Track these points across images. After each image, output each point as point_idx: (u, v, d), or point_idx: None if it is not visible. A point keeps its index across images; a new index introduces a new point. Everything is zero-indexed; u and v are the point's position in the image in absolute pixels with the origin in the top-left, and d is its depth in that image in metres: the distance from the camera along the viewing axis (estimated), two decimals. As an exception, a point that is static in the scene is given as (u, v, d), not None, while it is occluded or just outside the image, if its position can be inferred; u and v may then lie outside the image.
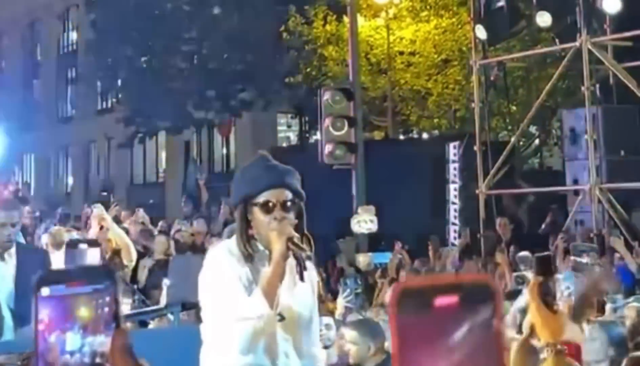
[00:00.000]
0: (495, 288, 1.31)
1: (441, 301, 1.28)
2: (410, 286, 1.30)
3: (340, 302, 9.45)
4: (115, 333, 1.90)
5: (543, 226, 16.87)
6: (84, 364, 1.87)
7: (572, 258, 9.77)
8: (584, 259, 8.94)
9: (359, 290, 9.94)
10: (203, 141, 38.90)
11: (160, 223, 16.97)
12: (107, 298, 1.90)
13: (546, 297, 3.76)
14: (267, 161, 4.79)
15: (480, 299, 1.30)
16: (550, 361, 3.75)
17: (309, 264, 4.60)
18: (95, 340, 1.88)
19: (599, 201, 16.35)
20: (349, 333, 6.95)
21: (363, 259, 13.77)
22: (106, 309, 1.89)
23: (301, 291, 4.69)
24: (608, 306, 8.78)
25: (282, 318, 4.62)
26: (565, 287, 8.60)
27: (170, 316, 8.36)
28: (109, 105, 40.60)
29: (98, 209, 10.14)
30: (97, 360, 1.89)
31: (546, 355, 3.77)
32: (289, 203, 4.65)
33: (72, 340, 1.86)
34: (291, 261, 4.54)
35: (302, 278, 4.52)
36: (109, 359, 1.89)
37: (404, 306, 1.28)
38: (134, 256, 10.83)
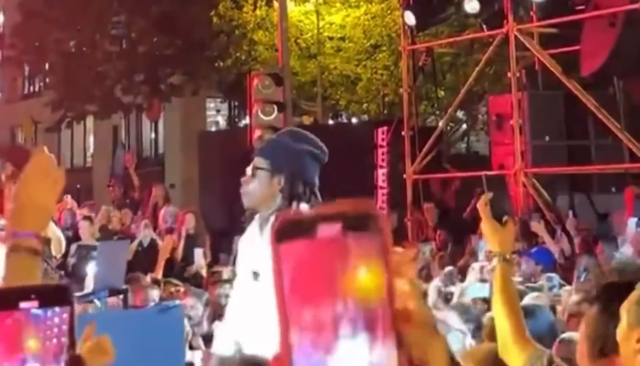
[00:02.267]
0: (378, 215, 1.29)
1: (324, 230, 1.25)
2: (292, 217, 1.27)
3: None
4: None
5: (468, 210, 17.07)
6: None
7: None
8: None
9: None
10: (131, 126, 38.67)
11: (84, 208, 16.88)
12: (57, 329, 1.73)
13: (494, 211, 4.01)
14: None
15: (364, 227, 1.26)
16: (499, 268, 3.99)
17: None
18: None
19: (524, 186, 16.59)
20: None
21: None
22: (54, 341, 1.73)
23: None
24: (545, 284, 8.94)
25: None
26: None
27: (97, 302, 8.37)
28: (36, 89, 40.18)
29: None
30: None
31: (495, 263, 4.03)
32: (256, 170, 5.25)
33: None
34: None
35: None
36: None
37: (286, 236, 1.25)
38: (64, 247, 10.82)
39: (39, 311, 1.71)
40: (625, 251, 11.05)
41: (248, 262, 5.27)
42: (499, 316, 3.99)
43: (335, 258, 1.25)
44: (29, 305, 1.71)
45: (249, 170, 5.36)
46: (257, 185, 5.27)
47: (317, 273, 1.25)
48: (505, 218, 4.05)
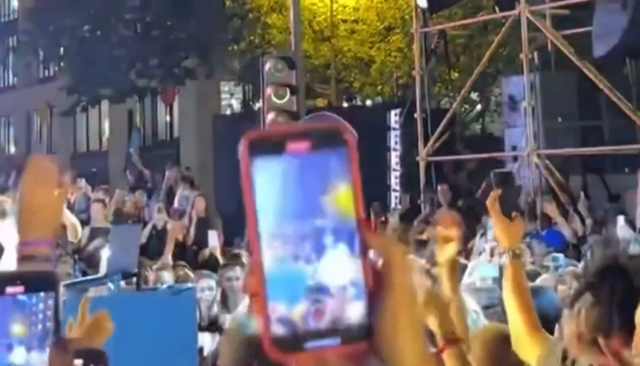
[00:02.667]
0: (347, 134, 1.30)
1: (292, 146, 1.28)
2: (261, 133, 1.29)
3: None
4: (54, 350, 1.80)
5: (480, 191, 17.12)
6: None
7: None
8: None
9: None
10: (146, 109, 38.75)
11: (98, 191, 16.95)
12: (42, 314, 1.78)
13: (504, 207, 4.02)
14: None
15: (332, 145, 1.30)
16: (510, 265, 4.02)
17: None
18: (30, 356, 1.78)
19: (537, 167, 16.60)
20: None
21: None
22: (40, 326, 1.79)
23: None
24: (551, 265, 8.96)
25: None
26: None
27: (111, 285, 8.44)
28: (51, 73, 40.22)
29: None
30: None
31: (505, 260, 4.06)
32: None
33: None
34: None
35: None
36: None
37: (255, 152, 1.27)
38: (80, 233, 10.89)
39: (24, 297, 1.76)
40: (624, 232, 10.99)
41: None
42: (512, 311, 4.02)
43: (305, 173, 1.28)
44: (15, 290, 1.76)
45: None
46: None
47: (291, 187, 1.28)
48: (514, 214, 4.08)
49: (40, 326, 1.79)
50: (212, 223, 15.15)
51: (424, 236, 12.46)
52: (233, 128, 26.56)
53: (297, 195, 1.28)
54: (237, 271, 9.08)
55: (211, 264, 12.05)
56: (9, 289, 1.76)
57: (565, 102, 17.54)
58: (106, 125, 40.53)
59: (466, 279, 8.24)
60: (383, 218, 16.06)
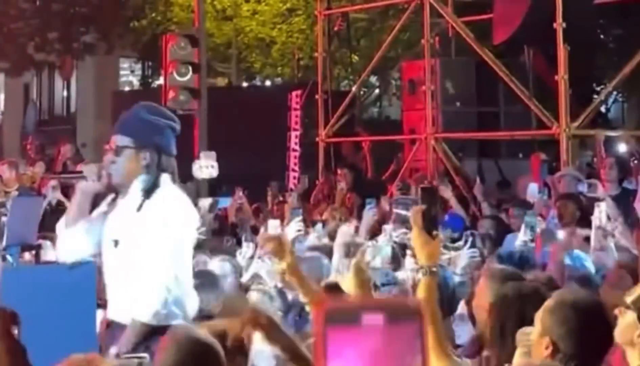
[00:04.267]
0: (419, 309, 1.35)
1: (368, 318, 1.32)
2: (338, 305, 1.33)
3: None
4: None
5: (387, 174, 17.35)
6: None
7: (395, 211, 10.12)
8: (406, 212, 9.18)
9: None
10: (43, 84, 38.18)
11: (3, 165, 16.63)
12: None
13: (427, 224, 4.06)
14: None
15: (404, 318, 1.33)
16: (425, 281, 4.05)
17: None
18: None
19: (434, 150, 16.85)
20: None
21: (204, 203, 13.87)
22: None
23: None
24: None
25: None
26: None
27: (9, 258, 8.36)
28: (-54, 44, 39.37)
29: None
30: None
31: (421, 276, 4.08)
32: (121, 149, 5.53)
33: None
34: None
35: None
36: None
37: (330, 321, 1.31)
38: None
39: None
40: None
41: (110, 232, 5.65)
42: None
43: (379, 346, 1.32)
44: None
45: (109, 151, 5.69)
46: (123, 163, 5.55)
47: (362, 358, 1.32)
48: (435, 233, 4.11)
49: None
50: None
51: (324, 216, 12.61)
52: (132, 105, 26.41)
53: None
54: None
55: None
56: None
57: (463, 87, 17.83)
58: (1, 98, 39.84)
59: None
60: (281, 197, 16.14)
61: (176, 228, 5.38)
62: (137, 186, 5.51)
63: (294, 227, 8.89)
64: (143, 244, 5.42)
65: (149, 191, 5.44)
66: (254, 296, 7.43)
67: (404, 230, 8.76)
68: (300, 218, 9.18)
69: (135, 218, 5.44)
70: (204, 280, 6.64)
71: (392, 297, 1.37)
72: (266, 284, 7.54)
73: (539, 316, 4.03)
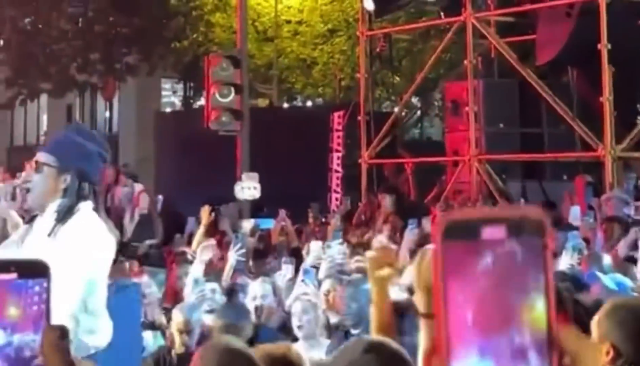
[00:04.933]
0: (545, 220, 1.27)
1: (488, 232, 1.25)
2: (457, 217, 1.27)
3: (232, 255, 9.39)
4: (47, 330, 1.87)
5: (430, 197, 17.25)
6: (10, 358, 1.83)
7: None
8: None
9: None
10: (86, 105, 38.44)
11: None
12: (37, 297, 1.86)
13: None
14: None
15: (528, 231, 1.26)
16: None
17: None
18: (23, 337, 1.85)
19: (478, 172, 16.75)
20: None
21: (246, 225, 13.87)
22: (35, 308, 1.86)
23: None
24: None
25: None
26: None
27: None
28: (-10, 65, 39.75)
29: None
30: (26, 353, 1.85)
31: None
32: (42, 165, 5.17)
33: None
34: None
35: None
36: (40, 356, 1.85)
37: (450, 236, 1.25)
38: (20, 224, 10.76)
39: (20, 281, 1.84)
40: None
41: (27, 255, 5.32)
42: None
43: (499, 261, 1.25)
44: (9, 277, 1.82)
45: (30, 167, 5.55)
46: (41, 181, 5.17)
47: (482, 275, 1.25)
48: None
49: (35, 308, 1.87)
50: (153, 219, 15.08)
51: (365, 239, 12.55)
52: (174, 125, 26.50)
53: (488, 280, 1.25)
54: (187, 267, 9.01)
55: (152, 260, 11.95)
56: (2, 277, 1.82)
57: (507, 108, 17.72)
58: (44, 119, 40.14)
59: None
60: (323, 219, 16.10)
61: (88, 256, 4.99)
62: (52, 208, 5.11)
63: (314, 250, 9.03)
64: (52, 272, 5.14)
65: (63, 216, 5.01)
66: (298, 305, 7.43)
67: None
68: (340, 240, 9.15)
69: (46, 244, 4.99)
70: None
71: (514, 208, 1.29)
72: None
73: (595, 322, 3.88)
